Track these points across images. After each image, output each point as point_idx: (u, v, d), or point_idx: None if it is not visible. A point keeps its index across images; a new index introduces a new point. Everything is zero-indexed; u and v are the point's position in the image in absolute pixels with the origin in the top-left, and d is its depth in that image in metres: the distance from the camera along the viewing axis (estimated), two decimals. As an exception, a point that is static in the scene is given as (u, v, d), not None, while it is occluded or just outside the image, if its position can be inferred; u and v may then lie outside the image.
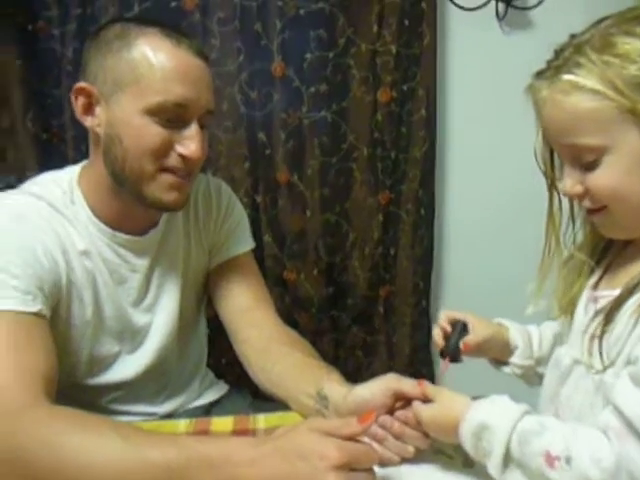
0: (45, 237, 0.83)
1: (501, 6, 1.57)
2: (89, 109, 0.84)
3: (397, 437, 0.70)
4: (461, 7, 1.57)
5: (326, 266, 1.60)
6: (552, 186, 0.69)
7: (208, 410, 1.07)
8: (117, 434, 0.64)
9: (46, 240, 0.83)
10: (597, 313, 0.63)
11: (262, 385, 0.94)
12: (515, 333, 0.81)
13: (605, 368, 0.60)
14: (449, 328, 0.80)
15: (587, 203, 0.63)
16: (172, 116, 0.81)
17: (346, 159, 1.56)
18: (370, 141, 1.55)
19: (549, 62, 0.62)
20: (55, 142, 1.43)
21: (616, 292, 0.62)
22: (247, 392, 1.14)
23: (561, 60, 0.60)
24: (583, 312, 0.68)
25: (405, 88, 1.54)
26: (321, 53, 1.49)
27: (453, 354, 0.78)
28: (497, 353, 0.82)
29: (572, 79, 0.58)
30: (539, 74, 0.63)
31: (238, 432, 0.81)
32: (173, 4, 1.42)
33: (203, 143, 0.85)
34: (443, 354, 0.80)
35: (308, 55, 1.48)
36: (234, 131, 1.50)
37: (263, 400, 1.01)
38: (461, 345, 0.78)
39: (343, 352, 1.65)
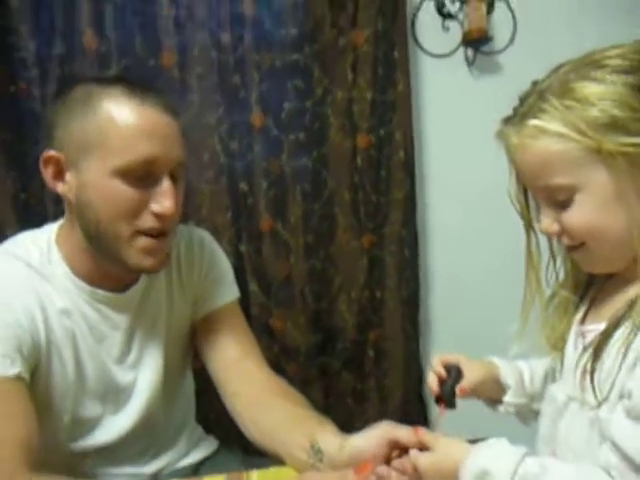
0: (24, 296, 0.81)
1: (470, 51, 1.64)
2: (59, 176, 0.83)
3: (395, 487, 0.68)
4: (432, 54, 1.63)
5: (313, 312, 1.59)
6: (528, 226, 0.70)
7: (197, 469, 1.04)
8: None
9: (25, 299, 0.81)
10: (585, 348, 0.63)
11: (253, 439, 0.91)
12: (506, 372, 0.81)
13: (599, 403, 0.60)
14: (444, 373, 0.79)
15: (566, 241, 0.64)
16: (141, 174, 0.79)
17: (328, 204, 1.57)
18: (351, 185, 1.57)
19: (515, 109, 0.64)
20: (33, 202, 1.43)
21: (602, 326, 0.62)
22: (237, 447, 1.10)
23: (526, 107, 0.62)
24: (573, 348, 0.68)
25: (382, 133, 1.57)
26: (299, 103, 1.52)
27: (449, 400, 0.77)
28: (491, 393, 0.81)
29: (538, 124, 0.60)
30: (507, 120, 0.65)
31: (231, 490, 0.78)
32: (151, 62, 1.45)
33: (177, 198, 0.83)
34: (439, 400, 0.78)
35: (286, 105, 1.52)
36: (216, 182, 1.51)
37: (255, 455, 0.98)
38: (457, 390, 0.77)
39: (334, 400, 1.63)
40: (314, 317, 1.59)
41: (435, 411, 1.66)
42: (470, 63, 1.64)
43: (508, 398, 0.80)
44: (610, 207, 0.59)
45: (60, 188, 0.84)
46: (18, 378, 0.75)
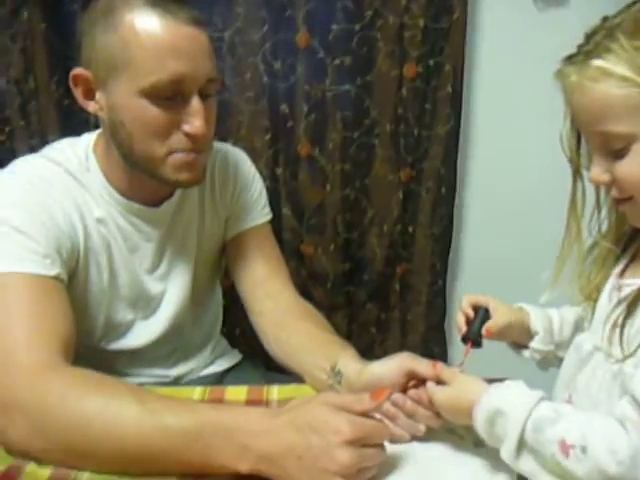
0: (64, 202, 0.83)
1: (535, -20, 1.52)
2: (89, 94, 0.82)
3: (409, 415, 0.71)
4: (493, -20, 1.53)
5: (343, 241, 1.60)
6: (576, 173, 0.68)
7: (221, 378, 1.09)
8: (134, 398, 0.66)
9: (65, 205, 0.83)
10: (620, 302, 0.63)
11: (276, 356, 0.94)
12: (536, 318, 0.81)
13: (625, 358, 0.60)
14: (472, 313, 0.80)
15: (614, 192, 0.61)
16: (170, 94, 0.77)
17: (368, 134, 1.54)
18: (393, 117, 1.53)
19: (579, 47, 0.61)
20: (77, 107, 1.43)
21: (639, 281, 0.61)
22: (260, 363, 1.15)
23: (592, 45, 0.59)
24: (607, 300, 0.67)
25: (432, 63, 1.51)
26: (347, 25, 1.46)
27: (475, 339, 0.78)
28: (518, 337, 0.81)
29: (601, 65, 0.56)
30: (568, 59, 0.61)
31: (252, 402, 0.82)
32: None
33: (209, 117, 0.81)
34: (465, 339, 0.79)
35: (334, 26, 1.45)
36: (256, 102, 1.48)
37: (276, 371, 1.02)
38: (483, 331, 0.77)
39: (357, 328, 1.66)
40: (344, 246, 1.60)
41: (456, 350, 1.71)
42: (534, -7, 1.54)
43: (535, 344, 0.80)
44: None
45: (92, 107, 0.82)
46: (57, 279, 0.78)
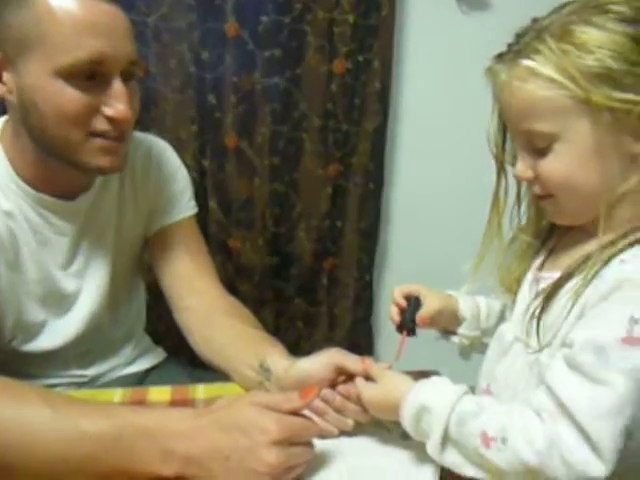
0: None
1: (460, -17, 1.57)
2: None
3: (338, 411, 0.71)
4: (421, -19, 1.56)
5: (271, 235, 1.58)
6: (500, 169, 0.70)
7: (143, 377, 1.05)
8: (47, 404, 0.62)
9: None
10: (538, 294, 0.65)
11: (203, 354, 0.92)
12: (464, 305, 0.83)
13: (541, 348, 0.62)
14: (404, 303, 0.81)
15: (537, 189, 0.64)
16: (89, 75, 0.73)
17: (297, 128, 1.53)
18: (322, 112, 1.53)
19: (509, 45, 0.62)
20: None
21: (557, 274, 0.63)
22: (185, 360, 1.12)
23: (521, 45, 0.60)
24: (527, 292, 0.69)
25: (360, 59, 1.52)
26: (277, 17, 1.44)
27: (410, 328, 0.79)
28: (447, 324, 0.83)
29: (530, 65, 0.58)
30: (499, 57, 0.63)
31: (176, 402, 0.79)
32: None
33: (132, 100, 0.77)
34: (400, 329, 0.80)
35: (263, 18, 1.43)
36: (182, 91, 1.44)
37: (202, 369, 1.00)
38: (417, 319, 0.78)
39: (284, 322, 1.66)
40: (272, 240, 1.59)
41: (383, 344, 1.74)
42: (459, -5, 1.58)
43: (463, 330, 0.82)
44: (586, 161, 0.58)
45: None
46: None
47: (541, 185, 0.62)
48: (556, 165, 0.60)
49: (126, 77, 0.77)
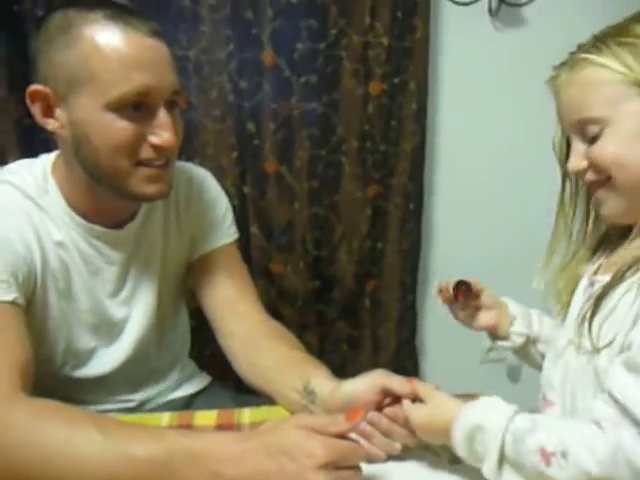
0: (21, 225, 0.80)
1: (494, 2, 1.57)
2: (48, 112, 0.79)
3: (385, 434, 0.70)
4: (454, 1, 1.56)
5: (313, 259, 1.59)
6: (565, 174, 0.72)
7: (189, 402, 1.06)
8: (97, 429, 0.63)
9: (22, 228, 0.80)
10: (591, 297, 0.65)
11: (247, 378, 0.92)
12: (514, 307, 0.84)
13: (596, 349, 0.61)
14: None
15: (590, 176, 0.65)
16: (136, 106, 0.76)
17: (335, 151, 1.54)
18: (360, 134, 1.54)
19: (571, 54, 0.66)
20: (38, 128, 1.39)
21: (609, 277, 0.63)
22: (230, 385, 1.12)
23: (581, 51, 0.65)
24: (582, 296, 0.69)
25: (396, 81, 1.53)
26: (312, 44, 1.47)
27: (466, 287, 0.81)
28: (498, 321, 0.84)
29: (587, 57, 0.63)
30: (560, 64, 0.67)
31: (222, 426, 0.79)
32: (162, -11, 1.39)
33: (176, 128, 0.81)
34: (456, 295, 0.82)
35: (299, 45, 1.47)
36: (222, 120, 1.48)
37: (246, 393, 1.00)
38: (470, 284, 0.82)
39: (328, 346, 1.65)
40: (313, 264, 1.59)
41: (429, 364, 1.71)
42: (493, 14, 1.58)
43: (515, 327, 0.82)
44: (636, 140, 0.61)
45: (51, 125, 0.80)
46: (14, 304, 0.75)
47: (595, 169, 0.64)
48: (607, 146, 0.62)
49: (170, 107, 0.80)
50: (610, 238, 0.71)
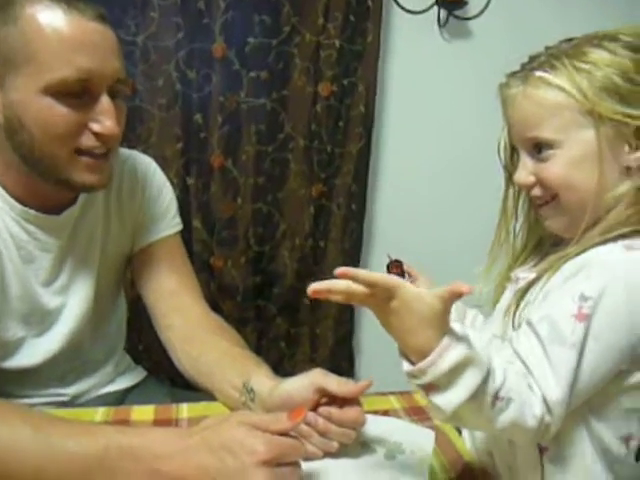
0: None
1: (443, 13, 1.61)
2: None
3: (322, 433, 0.70)
4: (405, 9, 1.60)
5: (255, 255, 1.59)
6: (509, 180, 0.74)
7: (123, 396, 1.03)
8: (28, 424, 0.60)
9: None
10: (516, 292, 0.68)
11: (186, 373, 0.91)
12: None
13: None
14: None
15: (537, 191, 0.67)
16: (77, 92, 0.73)
17: (282, 149, 1.55)
18: (307, 133, 1.55)
19: (523, 65, 0.67)
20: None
21: (533, 275, 0.67)
22: (165, 379, 1.10)
23: (536, 63, 0.65)
24: (508, 294, 0.72)
25: (346, 83, 1.55)
26: (264, 39, 1.47)
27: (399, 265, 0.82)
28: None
29: (544, 76, 0.63)
30: (512, 74, 0.68)
31: (160, 422, 0.78)
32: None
33: (119, 117, 0.77)
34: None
35: (251, 39, 1.46)
36: (168, 109, 1.45)
37: (181, 388, 0.99)
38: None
39: (266, 342, 1.65)
40: (255, 260, 1.59)
41: (364, 364, 1.74)
42: (442, 25, 1.63)
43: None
44: (586, 165, 0.63)
45: None
46: None
47: (543, 187, 0.66)
48: (557, 168, 0.64)
49: (113, 94, 0.77)
50: (543, 243, 0.75)
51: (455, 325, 0.56)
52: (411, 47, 1.63)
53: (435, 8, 1.60)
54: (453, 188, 1.69)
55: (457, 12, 1.61)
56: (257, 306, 1.63)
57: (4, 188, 0.81)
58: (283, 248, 1.61)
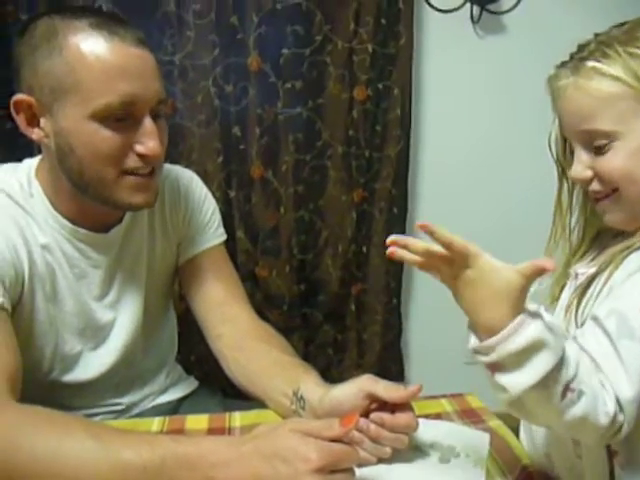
0: (7, 228, 0.80)
1: (476, 9, 1.60)
2: (33, 121, 0.78)
3: (373, 439, 0.70)
4: (437, 9, 1.59)
5: (298, 263, 1.60)
6: (562, 174, 0.71)
7: (176, 406, 1.06)
8: (88, 434, 0.62)
9: (8, 232, 0.79)
10: (577, 288, 0.66)
11: (236, 381, 0.92)
12: None
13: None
14: None
15: (595, 186, 0.64)
16: (121, 116, 0.76)
17: (320, 156, 1.56)
18: (345, 139, 1.55)
19: (572, 54, 0.65)
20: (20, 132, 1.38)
21: (594, 269, 0.64)
22: (217, 390, 1.12)
23: (586, 52, 0.63)
24: (568, 290, 0.70)
25: (381, 87, 1.54)
26: (297, 49, 1.48)
27: None
28: None
29: (596, 65, 0.61)
30: (562, 64, 0.65)
31: (214, 430, 0.79)
32: (147, -5, 1.39)
33: (161, 137, 0.80)
34: None
35: (284, 51, 1.48)
36: (208, 125, 1.48)
37: (233, 398, 1.00)
38: None
39: (314, 349, 1.66)
40: (299, 268, 1.60)
41: (414, 368, 1.72)
42: (475, 21, 1.61)
43: None
44: None
45: (36, 134, 0.79)
46: (1, 309, 0.74)
47: (602, 181, 0.63)
48: (617, 161, 0.61)
49: (155, 115, 0.80)
50: (601, 237, 0.72)
51: (532, 305, 0.53)
52: (445, 46, 1.62)
53: (468, 5, 1.58)
54: (493, 187, 1.66)
55: (490, 7, 1.59)
56: (303, 314, 1.63)
57: (56, 209, 0.85)
58: (326, 255, 1.61)
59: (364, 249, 1.64)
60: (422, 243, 0.54)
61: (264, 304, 1.59)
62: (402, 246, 0.55)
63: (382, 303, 1.66)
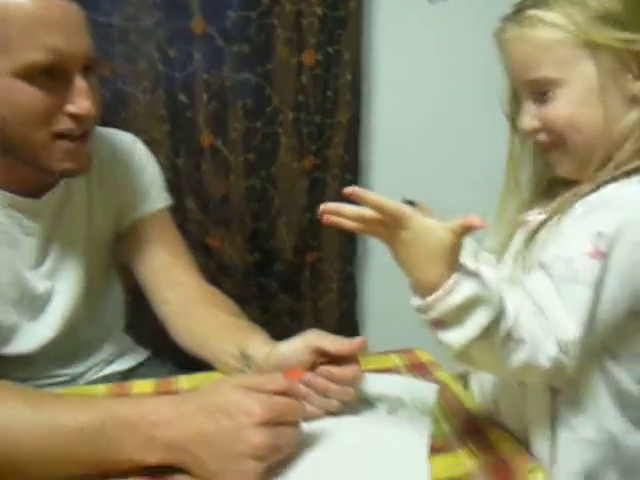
0: None
1: (424, -28, 1.58)
2: None
3: (321, 393, 0.70)
4: (386, -29, 1.56)
5: (251, 232, 1.58)
6: (513, 128, 0.72)
7: (126, 376, 1.03)
8: (22, 401, 0.61)
9: None
10: (526, 234, 0.66)
11: (185, 346, 0.91)
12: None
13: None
14: None
15: (543, 136, 0.65)
16: (49, 73, 0.71)
17: (271, 123, 1.53)
18: (295, 105, 1.53)
19: (516, 5, 0.65)
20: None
21: (543, 216, 0.65)
22: (167, 359, 1.10)
23: (529, 1, 0.63)
24: (517, 238, 0.70)
25: (331, 51, 1.52)
26: (244, 12, 1.44)
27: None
28: None
29: (537, 13, 0.61)
30: (506, 17, 0.66)
31: (160, 394, 0.78)
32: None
33: (94, 96, 0.76)
34: None
35: (230, 13, 1.43)
36: (152, 92, 1.43)
37: (185, 369, 0.98)
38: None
39: (270, 318, 1.65)
40: (252, 237, 1.58)
41: (369, 336, 1.73)
42: (425, -16, 1.59)
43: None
44: (590, 101, 0.61)
45: None
46: None
47: (548, 131, 0.64)
48: (561, 109, 0.62)
49: (86, 73, 0.76)
50: (553, 187, 0.72)
51: (467, 261, 0.54)
52: (396, 9, 1.59)
53: (416, -32, 1.57)
54: (447, 147, 1.67)
55: (439, -30, 1.58)
56: (258, 283, 1.62)
57: None
58: (280, 224, 1.59)
59: (318, 217, 1.62)
60: (354, 208, 0.54)
61: (218, 274, 1.56)
62: (335, 213, 0.55)
63: (337, 271, 1.66)
